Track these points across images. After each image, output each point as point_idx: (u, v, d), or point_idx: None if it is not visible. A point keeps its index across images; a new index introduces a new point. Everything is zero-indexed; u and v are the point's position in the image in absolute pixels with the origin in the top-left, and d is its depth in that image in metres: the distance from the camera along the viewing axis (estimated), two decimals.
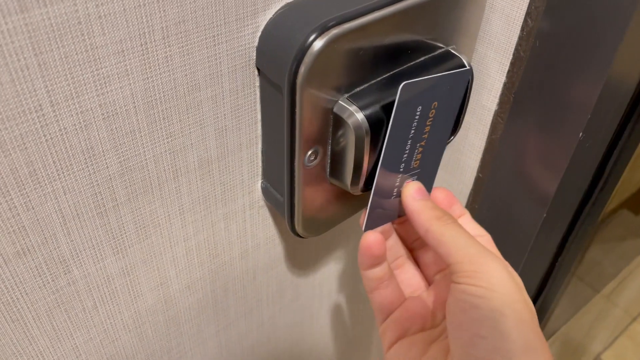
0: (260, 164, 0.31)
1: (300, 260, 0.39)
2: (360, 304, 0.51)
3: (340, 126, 0.27)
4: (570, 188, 0.34)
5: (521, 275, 0.30)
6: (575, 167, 0.32)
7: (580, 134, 0.30)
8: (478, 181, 0.37)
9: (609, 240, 1.06)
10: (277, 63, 0.25)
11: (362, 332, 0.54)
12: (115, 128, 0.23)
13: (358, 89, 0.27)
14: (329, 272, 0.43)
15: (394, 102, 0.27)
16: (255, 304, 0.38)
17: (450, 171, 0.39)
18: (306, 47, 0.24)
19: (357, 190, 0.29)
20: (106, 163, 0.24)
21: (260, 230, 0.34)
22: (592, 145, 0.32)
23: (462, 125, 0.36)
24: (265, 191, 0.32)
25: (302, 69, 0.24)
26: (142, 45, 0.22)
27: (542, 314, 0.51)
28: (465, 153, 0.37)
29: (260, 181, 0.31)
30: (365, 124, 0.26)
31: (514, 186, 0.36)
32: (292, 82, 0.24)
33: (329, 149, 0.28)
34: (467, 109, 0.35)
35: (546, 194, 0.33)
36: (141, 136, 0.24)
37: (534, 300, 0.46)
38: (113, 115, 0.23)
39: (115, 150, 0.24)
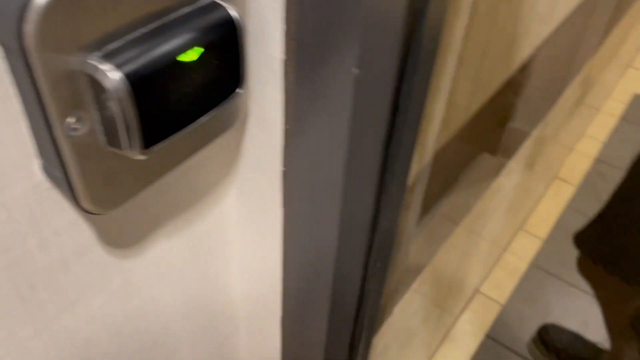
0: (31, 142, 0.28)
1: (121, 240, 0.38)
2: (212, 278, 0.50)
3: (99, 88, 0.25)
4: (365, 125, 0.35)
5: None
6: (362, 104, 0.34)
7: (355, 70, 0.31)
8: (287, 133, 0.38)
9: (474, 182, 1.14)
10: (3, 24, 0.23)
11: (220, 307, 0.53)
12: None
13: (112, 46, 0.26)
14: (163, 249, 0.42)
15: (157, 56, 0.26)
16: (77, 294, 0.36)
17: (259, 126, 0.39)
18: (27, 1, 0.22)
19: (137, 154, 0.28)
20: None
21: (56, 215, 0.32)
22: (375, 81, 0.34)
23: (258, 79, 0.36)
24: (46, 171, 0.29)
25: (28, 28, 0.22)
26: None
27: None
28: (268, 107, 0.37)
29: (38, 161, 0.29)
30: (125, 83, 0.25)
31: (318, 134, 0.36)
32: (21, 45, 0.22)
33: (97, 114, 0.27)
34: (258, 61, 0.35)
35: (342, 132, 0.35)
36: None
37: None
38: None
39: None
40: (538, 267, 1.59)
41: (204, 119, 0.30)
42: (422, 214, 0.78)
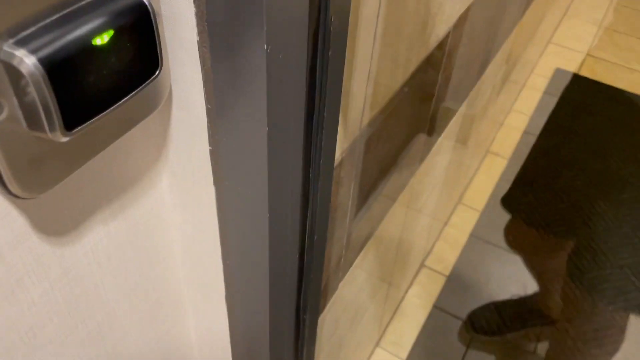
0: None
1: (56, 228, 0.38)
2: (154, 264, 0.51)
3: (15, 74, 0.27)
4: (283, 100, 0.38)
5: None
6: (278, 80, 0.36)
7: (267, 46, 0.33)
8: (209, 113, 0.40)
9: (412, 162, 1.18)
10: None
11: (164, 293, 0.55)
12: None
13: (26, 32, 0.27)
14: (100, 235, 0.43)
15: (70, 40, 0.27)
16: (15, 285, 0.37)
17: (183, 108, 0.41)
18: None
19: (59, 137, 0.29)
20: None
21: None
22: (288, 57, 0.36)
23: (177, 61, 0.38)
24: None
25: None
26: None
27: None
28: (188, 88, 0.39)
29: None
30: (40, 67, 0.26)
31: (239, 111, 0.38)
32: None
33: (15, 100, 0.28)
34: (175, 44, 0.37)
35: (261, 108, 0.37)
36: None
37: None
38: None
39: None
40: (477, 237, 1.67)
41: (125, 101, 0.32)
42: (363, 196, 0.81)
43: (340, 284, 0.86)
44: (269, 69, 0.35)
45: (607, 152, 1.90)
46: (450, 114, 1.26)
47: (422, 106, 0.99)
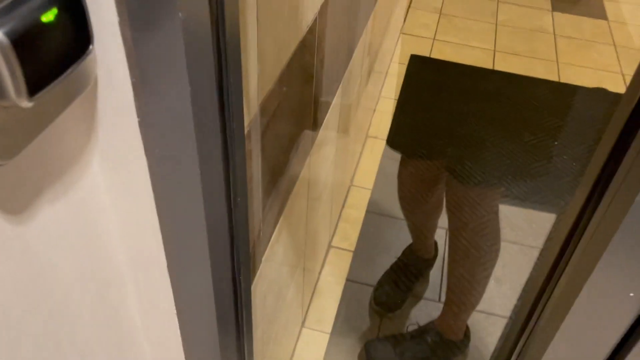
0: None
1: (12, 206, 0.42)
2: (97, 245, 0.55)
3: None
4: (198, 65, 0.45)
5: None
6: (192, 46, 0.43)
7: (181, 13, 0.41)
8: (135, 86, 0.46)
9: (303, 156, 1.28)
10: None
11: (109, 273, 0.59)
12: None
13: None
14: (49, 215, 0.47)
15: (25, 17, 0.33)
16: None
17: (108, 87, 0.46)
18: None
19: (24, 102, 0.34)
20: None
21: None
22: (197, 23, 0.43)
23: (101, 42, 0.43)
24: None
25: None
26: None
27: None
28: (114, 65, 0.45)
29: None
30: (6, 39, 0.32)
31: (163, 79, 0.45)
32: None
33: None
34: (98, 26, 0.43)
35: (182, 73, 0.44)
36: None
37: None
38: None
39: None
40: (372, 212, 1.82)
41: (69, 72, 0.37)
42: (269, 175, 0.89)
43: (263, 258, 0.93)
44: (184, 32, 0.42)
45: (466, 119, 2.15)
46: (328, 105, 1.39)
47: (305, 104, 1.10)
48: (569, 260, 0.61)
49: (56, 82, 0.36)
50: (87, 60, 0.40)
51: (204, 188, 0.53)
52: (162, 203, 0.55)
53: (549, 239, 1.97)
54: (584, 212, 0.59)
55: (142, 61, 0.44)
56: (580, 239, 0.59)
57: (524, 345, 0.74)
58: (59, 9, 0.35)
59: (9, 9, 0.33)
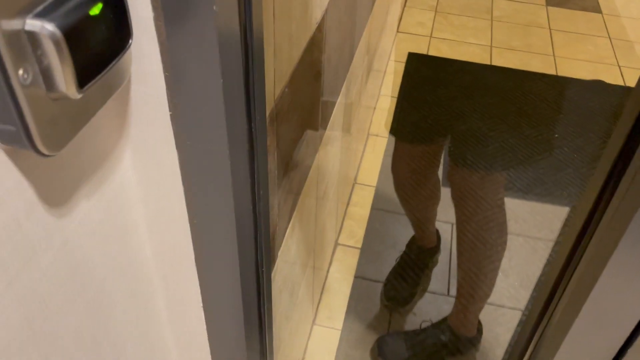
0: None
1: (54, 200, 0.43)
2: (129, 240, 0.56)
3: (37, 43, 0.33)
4: (229, 56, 0.46)
5: None
6: (224, 37, 0.45)
7: (215, 7, 0.42)
8: (168, 80, 0.47)
9: (307, 156, 1.29)
10: None
11: (139, 267, 0.60)
12: None
13: (39, 8, 0.33)
14: (86, 209, 0.48)
15: (75, 11, 0.34)
16: (31, 252, 0.42)
17: (142, 82, 0.48)
18: None
19: (74, 93, 0.35)
20: None
21: (4, 176, 0.37)
22: (228, 14, 0.45)
23: (136, 38, 0.45)
24: None
25: None
26: None
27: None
28: (148, 61, 0.46)
29: None
30: (59, 32, 0.33)
31: (195, 73, 0.46)
32: None
33: (36, 66, 0.34)
34: (133, 22, 0.44)
35: (215, 65, 0.45)
36: None
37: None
38: None
39: None
40: (377, 209, 1.84)
41: (115, 62, 0.38)
42: (283, 169, 0.90)
43: (279, 252, 0.94)
44: (218, 26, 0.43)
45: (466, 114, 2.17)
46: (332, 107, 1.40)
47: (309, 105, 1.11)
48: (583, 253, 0.62)
49: (102, 74, 0.37)
50: (127, 55, 0.41)
51: (233, 179, 0.55)
52: (192, 195, 0.56)
53: (562, 233, 1.99)
54: (598, 205, 0.60)
55: (175, 56, 0.45)
56: (594, 232, 0.60)
57: (539, 339, 0.75)
58: (104, 3, 0.36)
59: (60, 3, 0.34)
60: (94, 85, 0.37)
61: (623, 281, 0.58)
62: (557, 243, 1.79)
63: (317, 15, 0.91)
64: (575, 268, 0.65)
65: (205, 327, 0.69)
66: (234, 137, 0.52)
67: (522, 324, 1.53)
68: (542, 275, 1.65)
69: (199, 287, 0.65)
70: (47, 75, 0.34)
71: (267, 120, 0.72)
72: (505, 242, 1.37)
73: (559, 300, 0.70)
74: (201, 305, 0.67)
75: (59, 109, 0.36)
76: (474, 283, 1.37)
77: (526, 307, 1.55)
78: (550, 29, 2.72)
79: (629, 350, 0.64)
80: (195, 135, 0.51)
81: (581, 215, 0.64)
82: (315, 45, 0.94)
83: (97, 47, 0.37)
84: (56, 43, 0.33)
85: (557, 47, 2.60)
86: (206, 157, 0.52)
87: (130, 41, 0.41)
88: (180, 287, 0.65)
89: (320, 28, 0.95)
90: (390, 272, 1.61)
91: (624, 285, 0.59)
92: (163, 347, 0.70)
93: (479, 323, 1.46)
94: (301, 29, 0.83)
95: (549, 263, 1.72)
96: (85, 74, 0.36)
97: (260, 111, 0.57)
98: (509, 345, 1.45)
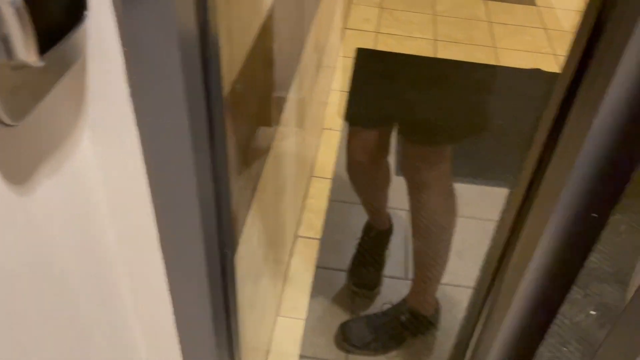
0: None
1: (16, 177, 0.43)
2: (90, 221, 0.56)
3: None
4: (185, 33, 0.47)
5: None
6: (181, 10, 0.46)
7: None
8: (127, 55, 0.48)
9: (262, 153, 1.30)
10: None
11: (102, 250, 0.60)
12: None
13: None
14: (47, 188, 0.48)
15: None
16: None
17: (98, 58, 0.48)
18: None
19: (35, 60, 0.36)
20: None
21: None
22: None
23: (92, 15, 0.45)
24: None
25: None
26: None
27: None
28: (105, 36, 0.46)
29: None
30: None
31: (154, 48, 0.47)
32: None
33: None
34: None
35: (173, 40, 0.46)
36: None
37: None
38: None
39: None
40: (335, 201, 1.86)
41: (72, 32, 0.39)
42: (240, 158, 0.91)
43: (240, 239, 0.95)
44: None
45: (415, 106, 2.22)
46: (283, 103, 1.42)
47: (260, 102, 1.12)
48: (521, 230, 0.66)
49: (61, 42, 0.38)
50: (82, 27, 0.42)
51: (195, 156, 0.55)
52: (154, 175, 0.56)
53: (503, 212, 2.07)
54: (531, 186, 0.64)
55: (134, 31, 0.46)
56: (529, 211, 0.64)
57: (488, 312, 0.79)
58: None
59: None
60: (53, 55, 0.38)
61: (556, 250, 0.62)
62: (499, 223, 1.87)
63: (267, 1, 0.92)
64: (516, 244, 0.69)
65: (172, 310, 0.69)
66: (194, 115, 0.53)
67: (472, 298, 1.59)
68: (487, 252, 1.72)
69: (163, 271, 0.65)
70: (7, 42, 0.35)
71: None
72: (455, 225, 1.43)
73: (503, 275, 0.74)
74: (167, 287, 0.67)
75: (19, 78, 0.37)
76: (430, 265, 1.42)
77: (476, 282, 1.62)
78: (490, 22, 2.83)
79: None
80: (156, 111, 0.51)
81: (517, 196, 0.68)
82: (266, 33, 0.96)
83: (55, 16, 0.37)
84: (16, 10, 0.33)
85: (497, 39, 2.70)
86: (167, 134, 0.53)
87: (85, 12, 0.41)
88: (145, 271, 0.65)
89: (270, 17, 0.96)
90: (352, 260, 1.64)
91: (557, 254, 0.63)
92: (130, 331, 0.69)
93: (437, 302, 1.50)
94: (253, 14, 0.84)
95: (492, 240, 1.79)
96: (44, 42, 0.36)
97: (218, 87, 0.58)
98: (463, 319, 1.50)
